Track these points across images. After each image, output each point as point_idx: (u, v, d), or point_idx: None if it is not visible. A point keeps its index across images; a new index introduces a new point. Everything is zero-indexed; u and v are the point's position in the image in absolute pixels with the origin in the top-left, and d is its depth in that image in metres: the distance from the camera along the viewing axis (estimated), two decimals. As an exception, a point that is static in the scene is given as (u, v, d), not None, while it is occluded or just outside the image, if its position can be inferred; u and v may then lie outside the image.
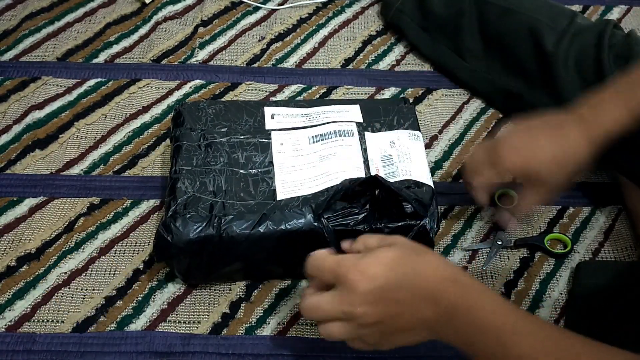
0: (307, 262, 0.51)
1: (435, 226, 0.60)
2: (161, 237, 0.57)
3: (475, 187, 0.63)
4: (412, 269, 0.47)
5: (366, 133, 0.66)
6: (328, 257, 0.49)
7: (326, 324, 0.49)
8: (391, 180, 0.61)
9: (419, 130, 0.67)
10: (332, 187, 0.60)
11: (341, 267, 0.47)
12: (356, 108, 0.69)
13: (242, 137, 0.65)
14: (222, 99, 0.80)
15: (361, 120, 0.67)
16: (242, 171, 0.62)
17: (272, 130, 0.66)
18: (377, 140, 0.65)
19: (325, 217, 0.58)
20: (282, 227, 0.57)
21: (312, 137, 0.65)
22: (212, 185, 0.60)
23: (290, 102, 0.70)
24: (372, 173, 0.62)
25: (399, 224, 0.59)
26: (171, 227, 0.57)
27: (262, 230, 0.57)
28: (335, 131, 0.65)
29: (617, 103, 0.58)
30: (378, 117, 0.68)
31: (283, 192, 0.60)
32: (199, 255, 0.58)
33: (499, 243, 0.68)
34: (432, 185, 0.63)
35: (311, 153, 0.64)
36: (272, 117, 0.67)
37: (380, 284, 0.46)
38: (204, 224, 0.57)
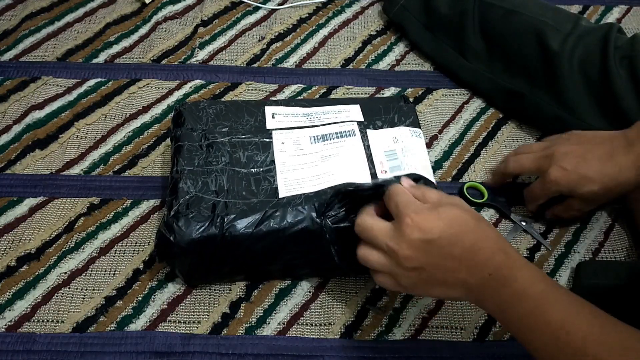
0: (388, 189, 0.54)
1: None
2: (163, 237, 0.57)
3: (529, 209, 0.70)
4: (469, 231, 0.50)
5: (368, 130, 0.66)
6: (404, 193, 0.53)
7: (368, 247, 0.53)
8: (397, 173, 0.61)
9: (420, 128, 0.68)
10: (335, 185, 0.60)
11: (406, 208, 0.51)
12: (356, 108, 0.69)
13: (243, 136, 0.65)
14: (222, 99, 0.80)
15: (362, 119, 0.67)
16: (243, 170, 0.62)
17: (273, 129, 0.66)
18: (380, 137, 0.65)
19: (328, 215, 0.58)
20: (285, 224, 0.57)
21: (314, 137, 0.65)
22: (214, 184, 0.60)
23: (290, 102, 0.70)
24: (377, 168, 0.62)
25: None
26: (173, 227, 0.56)
27: (264, 229, 0.57)
28: (337, 132, 0.65)
29: None
30: (379, 115, 0.68)
31: (285, 189, 0.60)
32: (202, 255, 0.58)
33: None
34: (435, 183, 0.63)
35: (313, 153, 0.64)
36: (273, 117, 0.67)
37: (433, 238, 0.49)
38: (207, 223, 0.57)
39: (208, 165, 0.62)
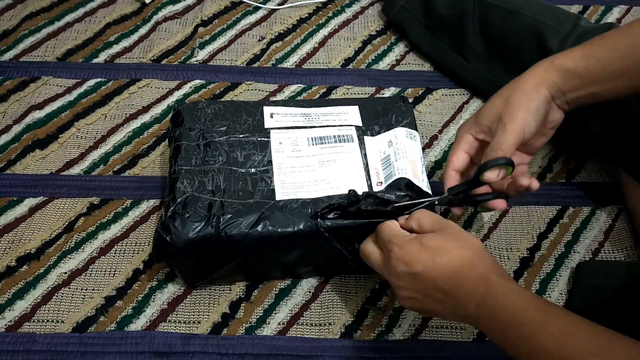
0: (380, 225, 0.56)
1: None
2: (160, 237, 0.57)
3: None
4: (450, 262, 0.49)
5: (365, 137, 0.66)
6: (390, 226, 0.54)
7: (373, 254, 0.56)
8: (390, 181, 0.61)
9: (416, 130, 0.67)
10: (332, 196, 0.60)
11: (390, 243, 0.52)
12: (355, 110, 0.68)
13: (241, 136, 0.65)
14: (222, 99, 0.80)
15: (360, 124, 0.67)
16: (241, 170, 0.62)
17: (271, 129, 0.66)
18: (376, 144, 0.65)
19: (324, 221, 0.58)
20: (280, 228, 0.57)
21: (312, 138, 0.65)
22: (211, 184, 0.60)
23: (289, 102, 0.70)
24: (373, 180, 0.62)
25: None
26: (170, 227, 0.57)
27: (260, 230, 0.57)
28: (335, 136, 0.65)
29: (575, 50, 0.57)
30: (377, 118, 0.68)
31: (282, 192, 0.60)
32: (198, 255, 0.58)
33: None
34: (426, 188, 0.62)
35: (310, 155, 0.64)
36: (271, 116, 0.67)
37: (416, 271, 0.50)
38: (203, 223, 0.57)
39: (205, 164, 0.62)
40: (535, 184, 0.58)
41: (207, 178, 0.61)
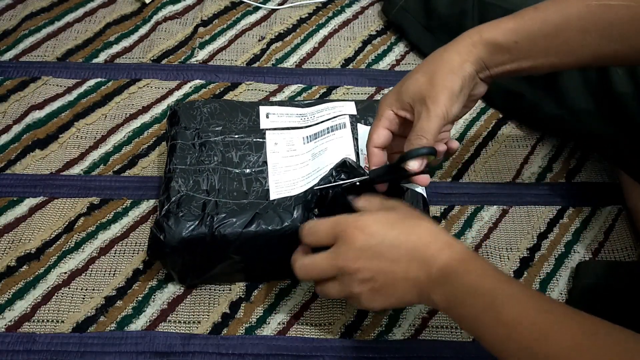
0: (301, 229, 0.53)
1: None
2: (154, 236, 0.57)
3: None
4: (410, 230, 0.49)
5: (359, 124, 0.66)
6: (324, 220, 0.52)
7: (323, 283, 0.52)
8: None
9: None
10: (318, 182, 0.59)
11: (339, 225, 0.50)
12: (351, 104, 0.69)
13: (236, 136, 0.65)
14: (222, 99, 0.80)
15: (355, 113, 0.67)
16: (235, 170, 0.62)
17: (267, 129, 0.66)
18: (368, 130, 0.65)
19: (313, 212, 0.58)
20: (274, 226, 0.57)
21: (307, 137, 0.65)
22: (205, 184, 0.60)
23: (286, 102, 0.70)
24: (362, 165, 0.62)
25: None
26: (164, 226, 0.57)
27: (254, 229, 0.57)
28: (328, 128, 0.65)
29: (506, 21, 0.54)
30: (372, 113, 0.68)
31: (276, 192, 0.60)
32: (192, 254, 0.58)
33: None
34: (424, 194, 0.62)
35: (305, 152, 0.64)
36: (267, 117, 0.67)
37: (378, 241, 0.48)
38: (197, 222, 0.57)
39: (200, 164, 0.62)
40: (454, 144, 0.58)
41: (202, 177, 0.61)
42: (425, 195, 0.62)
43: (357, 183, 0.57)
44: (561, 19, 0.50)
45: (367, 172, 0.57)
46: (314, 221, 0.54)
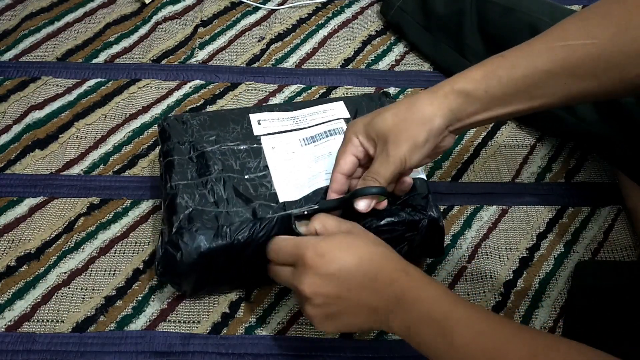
0: (267, 246, 0.54)
1: (439, 215, 0.60)
2: (169, 255, 0.55)
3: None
4: (368, 256, 0.49)
5: None
6: (287, 239, 0.53)
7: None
8: None
9: None
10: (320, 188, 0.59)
11: (299, 248, 0.50)
12: (340, 105, 0.68)
13: (231, 144, 0.64)
14: (222, 99, 0.80)
15: (348, 116, 0.67)
16: (238, 177, 0.61)
17: (261, 135, 0.65)
18: None
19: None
20: (285, 229, 0.57)
21: (304, 139, 0.65)
22: (212, 196, 0.59)
23: (274, 107, 0.69)
24: None
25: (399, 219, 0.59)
26: (179, 244, 0.55)
27: (270, 233, 0.56)
28: (325, 132, 0.65)
29: (475, 70, 0.52)
30: (362, 112, 0.68)
31: (284, 194, 0.60)
32: (208, 268, 0.57)
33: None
34: (425, 177, 0.62)
35: (305, 155, 0.64)
36: (259, 123, 0.66)
37: (336, 268, 0.48)
38: (213, 234, 0.56)
39: (202, 176, 0.61)
40: (405, 184, 0.58)
41: (207, 190, 0.60)
42: (425, 178, 0.62)
43: (305, 212, 0.56)
44: (528, 63, 0.50)
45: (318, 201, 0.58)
46: (278, 239, 0.54)
